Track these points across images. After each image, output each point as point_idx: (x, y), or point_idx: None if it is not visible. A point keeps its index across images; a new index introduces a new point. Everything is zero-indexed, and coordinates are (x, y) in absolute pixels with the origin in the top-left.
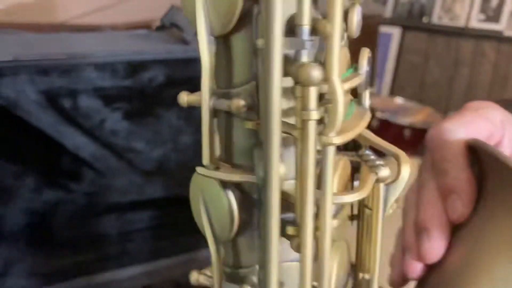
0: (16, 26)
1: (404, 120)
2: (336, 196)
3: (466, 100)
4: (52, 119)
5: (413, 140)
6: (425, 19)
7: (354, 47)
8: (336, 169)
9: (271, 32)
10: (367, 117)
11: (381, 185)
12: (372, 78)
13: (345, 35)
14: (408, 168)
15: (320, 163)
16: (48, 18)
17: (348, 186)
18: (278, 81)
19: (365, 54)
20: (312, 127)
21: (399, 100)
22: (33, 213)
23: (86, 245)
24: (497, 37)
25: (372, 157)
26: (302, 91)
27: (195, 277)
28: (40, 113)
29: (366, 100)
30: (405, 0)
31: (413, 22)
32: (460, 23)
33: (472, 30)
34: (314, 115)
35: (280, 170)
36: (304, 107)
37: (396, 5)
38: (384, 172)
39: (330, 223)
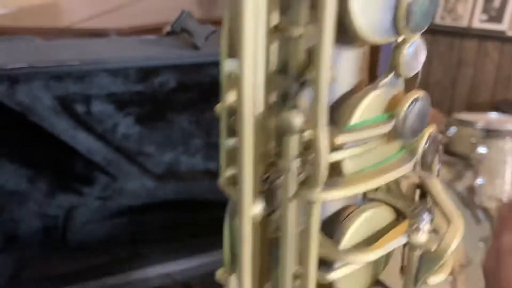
0: (22, 31)
1: None
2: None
3: (469, 100)
4: (66, 124)
5: None
6: None
7: None
8: (352, 221)
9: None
10: (405, 168)
11: (414, 254)
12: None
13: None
14: (455, 241)
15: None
16: (54, 22)
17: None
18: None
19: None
20: (291, 177)
21: None
22: (46, 216)
23: (99, 248)
24: (500, 37)
25: (424, 215)
26: (282, 139)
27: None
28: (54, 118)
29: (435, 170)
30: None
31: None
32: (463, 23)
33: (474, 30)
34: (293, 165)
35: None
36: (283, 156)
37: None
38: (416, 238)
39: None
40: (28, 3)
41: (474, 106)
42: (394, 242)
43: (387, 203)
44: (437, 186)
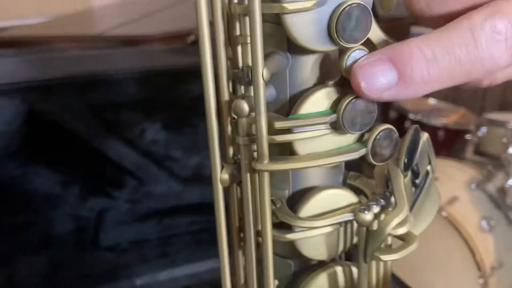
0: (57, 39)
1: (438, 121)
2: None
3: (502, 99)
4: (97, 131)
5: (447, 141)
6: None
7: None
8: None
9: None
10: (350, 155)
11: (363, 229)
12: None
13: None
14: (394, 221)
15: None
16: (87, 30)
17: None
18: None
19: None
20: (244, 152)
21: (432, 101)
22: (79, 218)
23: (129, 249)
24: None
25: (376, 199)
26: (237, 120)
27: None
28: (85, 125)
29: (400, 164)
30: None
31: None
32: None
33: None
34: (245, 141)
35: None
36: (239, 134)
37: None
38: (362, 216)
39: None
40: (62, 11)
41: (507, 105)
42: (341, 216)
43: (357, 188)
44: (398, 177)
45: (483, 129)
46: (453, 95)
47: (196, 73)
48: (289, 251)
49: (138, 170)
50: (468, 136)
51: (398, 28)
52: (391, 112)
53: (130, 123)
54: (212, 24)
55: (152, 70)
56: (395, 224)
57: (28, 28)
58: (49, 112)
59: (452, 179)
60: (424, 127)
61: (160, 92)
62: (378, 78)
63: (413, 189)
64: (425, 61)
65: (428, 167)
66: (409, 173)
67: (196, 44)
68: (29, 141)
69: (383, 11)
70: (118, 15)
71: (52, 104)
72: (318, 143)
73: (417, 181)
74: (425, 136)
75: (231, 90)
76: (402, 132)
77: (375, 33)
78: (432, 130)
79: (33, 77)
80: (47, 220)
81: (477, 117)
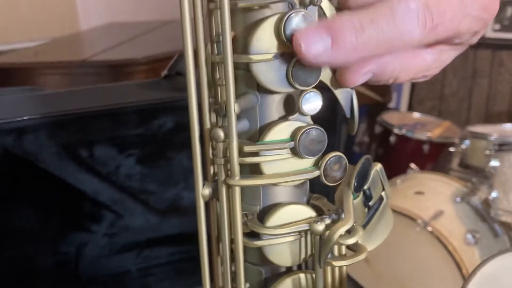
0: (42, 65)
1: (422, 135)
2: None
3: (487, 110)
4: (72, 168)
5: (433, 155)
6: None
7: None
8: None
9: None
10: (306, 175)
11: (317, 238)
12: (389, 94)
13: None
14: (340, 230)
15: None
16: (72, 55)
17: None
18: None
19: None
20: (220, 171)
21: (416, 115)
22: (58, 253)
23: (110, 282)
24: None
25: (330, 214)
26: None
27: None
28: (60, 164)
29: (351, 185)
30: None
31: None
32: None
33: (488, 40)
34: (221, 161)
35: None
36: (216, 156)
37: None
38: (315, 226)
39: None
40: (52, 35)
41: (491, 117)
42: (298, 226)
43: (318, 207)
44: (347, 196)
45: (467, 142)
46: (439, 107)
47: (170, 107)
48: (259, 259)
49: (114, 204)
50: (452, 149)
51: None
52: (376, 127)
53: (104, 159)
54: (197, 69)
55: (125, 106)
56: (341, 232)
57: (15, 55)
58: (24, 152)
59: (438, 192)
60: (409, 141)
61: (133, 127)
62: (316, 42)
63: (366, 209)
64: (354, 29)
65: (383, 193)
66: (361, 195)
67: (168, 78)
68: (4, 180)
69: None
70: (104, 38)
71: (25, 144)
72: (281, 165)
73: (370, 203)
74: (378, 166)
75: (214, 120)
76: (387, 146)
77: (328, 79)
78: (417, 144)
79: (5, 118)
80: (26, 255)
81: (461, 130)
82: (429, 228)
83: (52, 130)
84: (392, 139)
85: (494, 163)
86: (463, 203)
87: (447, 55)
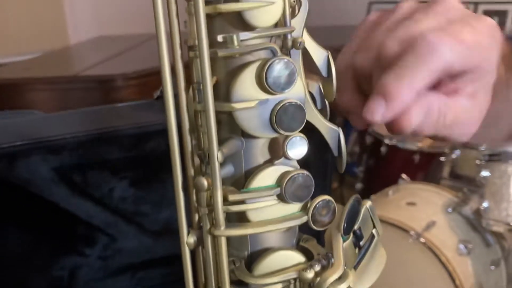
0: (32, 81)
1: (413, 145)
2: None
3: None
4: (65, 193)
5: (424, 165)
6: None
7: None
8: None
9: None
10: (295, 222)
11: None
12: None
13: None
14: (331, 279)
15: None
16: (62, 70)
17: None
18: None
19: None
20: (205, 220)
21: None
22: (51, 277)
23: None
24: None
25: (319, 260)
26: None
27: None
28: (53, 188)
29: (340, 228)
30: None
31: None
32: None
33: None
34: (205, 210)
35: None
36: (200, 205)
37: None
38: (304, 275)
39: None
40: (42, 49)
41: None
42: (287, 275)
43: (307, 249)
44: (337, 241)
45: (457, 152)
46: None
47: (162, 129)
48: None
49: (108, 227)
50: (442, 159)
51: None
52: (367, 137)
53: (97, 182)
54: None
55: (118, 129)
56: (331, 281)
57: (4, 70)
58: (16, 178)
59: (429, 203)
60: (399, 151)
61: (126, 150)
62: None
63: (357, 250)
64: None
65: (373, 231)
66: (351, 236)
67: (161, 99)
68: None
69: (327, 100)
70: (94, 53)
71: (17, 170)
72: (268, 211)
73: (361, 243)
74: (367, 203)
75: (198, 163)
76: (378, 156)
77: (317, 119)
78: (408, 154)
79: None
80: (18, 280)
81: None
82: (422, 240)
83: (44, 155)
84: (383, 149)
85: (484, 173)
86: (454, 213)
87: (481, 99)
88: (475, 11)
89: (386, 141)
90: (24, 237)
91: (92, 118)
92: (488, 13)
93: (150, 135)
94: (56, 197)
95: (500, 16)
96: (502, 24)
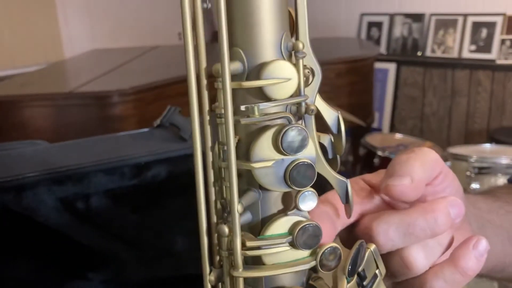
0: (28, 98)
1: None
2: None
3: (466, 128)
4: (69, 221)
5: None
6: (419, 53)
7: (351, 86)
8: None
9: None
10: (304, 266)
11: None
12: (371, 116)
13: None
14: None
15: None
16: (58, 87)
17: None
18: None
19: None
20: (225, 262)
21: (398, 136)
22: None
23: None
24: (490, 66)
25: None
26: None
27: None
28: (58, 217)
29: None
30: (398, 36)
31: (407, 56)
32: (453, 54)
33: (465, 60)
34: (226, 254)
35: None
36: (220, 248)
37: (390, 42)
38: None
39: None
40: (35, 62)
41: (471, 134)
42: None
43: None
44: (341, 282)
45: (448, 164)
46: (420, 126)
47: (163, 158)
48: None
49: (110, 252)
50: None
51: (364, 67)
52: (360, 149)
53: (100, 211)
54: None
55: (120, 160)
56: None
57: (1, 87)
58: (23, 208)
59: None
60: None
61: (128, 179)
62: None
63: None
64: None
65: (377, 271)
66: (355, 278)
67: (161, 127)
68: (3, 235)
69: (337, 154)
70: (90, 67)
71: (25, 200)
72: (281, 256)
73: (364, 283)
74: (372, 247)
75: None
76: (372, 167)
77: (326, 172)
78: None
79: (5, 177)
80: None
81: (442, 150)
82: None
83: (50, 185)
84: (376, 160)
85: (474, 185)
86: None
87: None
88: (464, 22)
89: (379, 153)
90: (29, 264)
91: (93, 148)
92: (477, 24)
93: (151, 164)
94: (60, 226)
95: (489, 28)
96: (491, 36)
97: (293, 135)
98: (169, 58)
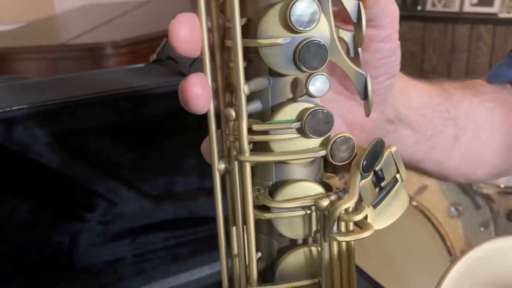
0: (20, 50)
1: None
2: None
3: None
4: (63, 158)
5: None
6: (419, 8)
7: None
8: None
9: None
10: (313, 154)
11: (321, 214)
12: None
13: None
14: (343, 206)
15: None
16: (50, 39)
17: None
18: None
19: None
20: (232, 148)
21: None
22: (52, 243)
23: (105, 269)
24: (492, 20)
25: (339, 190)
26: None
27: None
28: (51, 153)
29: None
30: None
31: (407, 11)
32: (454, 8)
33: (466, 14)
34: (232, 138)
35: None
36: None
37: None
38: (320, 202)
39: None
40: (26, 19)
41: None
42: (304, 201)
43: (329, 185)
44: (355, 175)
45: None
46: None
47: (161, 93)
48: (271, 231)
49: (108, 192)
50: None
51: None
52: None
53: (96, 147)
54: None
55: (115, 93)
56: (342, 209)
57: None
58: (13, 143)
59: None
60: None
61: (124, 115)
62: None
63: (377, 189)
64: None
65: (397, 175)
66: (372, 175)
67: (158, 62)
68: None
69: (357, 45)
70: (82, 21)
71: (15, 135)
72: (289, 144)
73: (382, 184)
74: (393, 148)
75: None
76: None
77: (344, 63)
78: None
79: None
80: (19, 247)
81: None
82: (414, 203)
83: (42, 119)
84: None
85: None
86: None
87: None
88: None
89: None
90: (23, 204)
91: (89, 82)
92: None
93: (148, 99)
94: (54, 162)
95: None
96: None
97: (302, 8)
98: (162, 12)
